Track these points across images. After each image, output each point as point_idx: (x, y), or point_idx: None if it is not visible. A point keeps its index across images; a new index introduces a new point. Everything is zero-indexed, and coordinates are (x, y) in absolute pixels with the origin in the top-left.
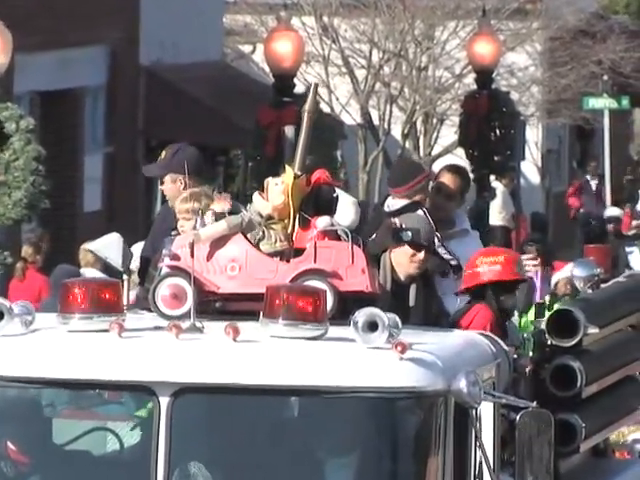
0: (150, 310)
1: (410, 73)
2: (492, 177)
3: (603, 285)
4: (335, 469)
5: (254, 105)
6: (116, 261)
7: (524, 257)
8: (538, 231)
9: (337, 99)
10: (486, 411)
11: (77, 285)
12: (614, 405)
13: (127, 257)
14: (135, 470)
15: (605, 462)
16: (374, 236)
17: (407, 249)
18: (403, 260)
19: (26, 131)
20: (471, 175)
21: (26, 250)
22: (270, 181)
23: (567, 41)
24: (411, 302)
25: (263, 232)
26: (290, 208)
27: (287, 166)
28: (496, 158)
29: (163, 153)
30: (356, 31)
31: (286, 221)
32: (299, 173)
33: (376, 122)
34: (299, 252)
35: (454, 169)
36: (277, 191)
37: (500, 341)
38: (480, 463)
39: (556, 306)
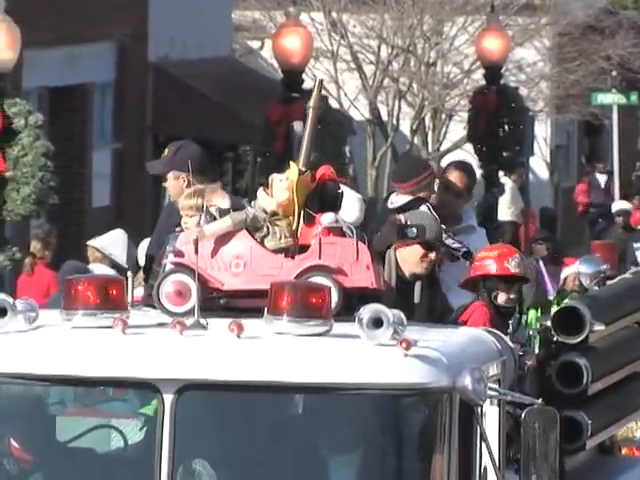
0: (154, 307)
1: (419, 69)
2: (501, 173)
3: (609, 282)
4: (339, 466)
5: (262, 101)
6: (120, 258)
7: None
8: (547, 227)
9: (346, 95)
10: (491, 408)
11: (81, 281)
12: (620, 402)
13: (132, 254)
14: (139, 467)
15: (611, 459)
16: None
17: (418, 249)
18: (412, 259)
19: (35, 127)
20: (480, 171)
21: (35, 246)
22: (275, 177)
23: (576, 37)
24: (416, 299)
25: (268, 228)
26: (295, 204)
27: (292, 162)
28: (505, 154)
29: (166, 150)
30: (365, 27)
31: (291, 217)
32: (304, 169)
33: (385, 118)
34: (304, 248)
35: (461, 166)
36: (282, 187)
37: (506, 338)
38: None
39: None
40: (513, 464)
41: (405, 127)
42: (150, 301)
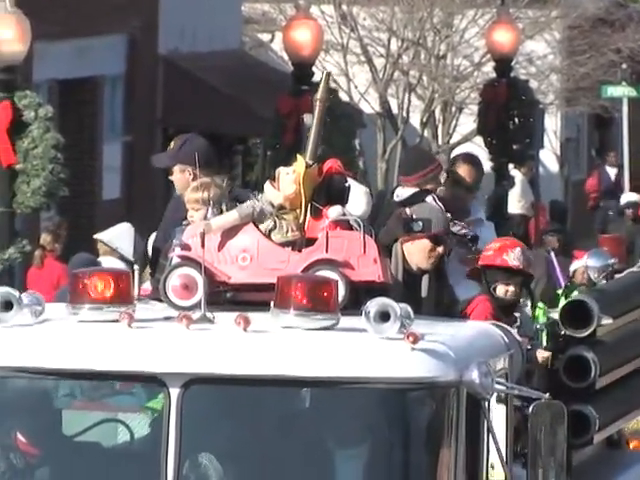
0: (161, 300)
1: (429, 61)
2: (511, 165)
3: (617, 275)
4: (346, 460)
5: (273, 94)
6: (127, 251)
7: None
8: (557, 220)
9: (356, 87)
10: (499, 402)
11: (87, 275)
12: (628, 396)
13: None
14: (145, 461)
15: (619, 454)
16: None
17: (426, 243)
18: (420, 253)
19: (45, 119)
20: (490, 163)
21: (45, 238)
22: (281, 170)
23: (586, 29)
24: (423, 292)
25: (274, 222)
26: (302, 198)
27: (299, 155)
28: (515, 146)
29: (172, 144)
30: (375, 19)
31: (298, 211)
32: (311, 162)
33: (395, 111)
34: (311, 242)
35: (469, 159)
36: (288, 180)
37: (513, 331)
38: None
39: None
40: (520, 458)
41: (415, 120)
42: (157, 295)
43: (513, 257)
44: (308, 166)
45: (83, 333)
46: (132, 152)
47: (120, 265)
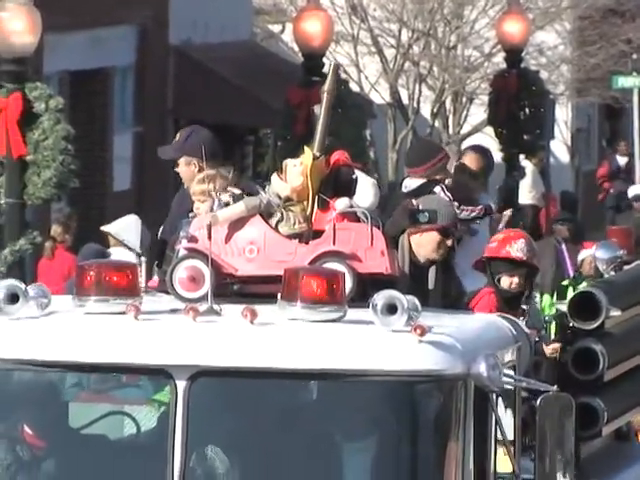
0: (168, 293)
1: (439, 52)
2: (521, 156)
3: (626, 267)
4: (353, 453)
5: (283, 85)
6: (134, 243)
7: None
8: (568, 210)
9: (366, 78)
10: (507, 395)
11: (93, 267)
12: (636, 388)
13: (145, 239)
14: (152, 454)
15: (627, 446)
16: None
17: (435, 235)
18: (429, 246)
19: (55, 110)
20: (500, 154)
21: (55, 229)
22: (289, 162)
23: (596, 20)
24: (430, 284)
25: (282, 214)
26: (309, 190)
27: (306, 147)
28: (525, 137)
29: (177, 135)
30: (385, 10)
31: (305, 203)
32: (318, 154)
33: (405, 101)
34: (318, 234)
35: (477, 149)
36: (296, 172)
37: (521, 323)
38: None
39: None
40: (529, 451)
41: (426, 110)
42: (164, 287)
43: (517, 248)
44: (315, 158)
45: (89, 325)
46: (143, 143)
47: (130, 256)
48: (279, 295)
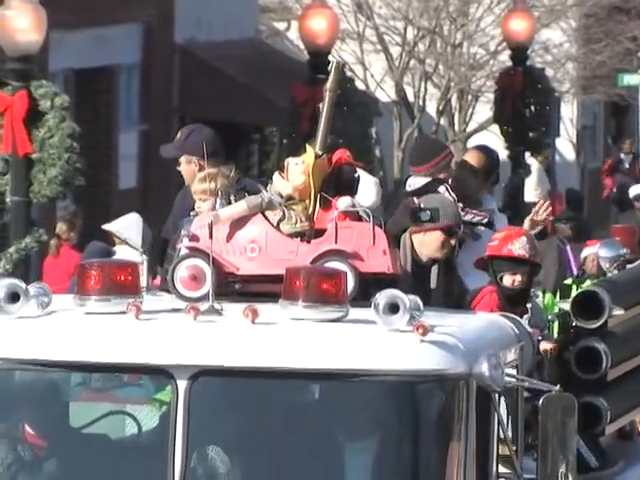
0: (169, 291)
1: (445, 50)
2: (527, 154)
3: (629, 266)
4: (355, 453)
5: (289, 82)
6: (135, 242)
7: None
8: (573, 208)
9: (372, 76)
10: (509, 394)
11: (94, 266)
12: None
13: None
14: (153, 453)
15: (631, 445)
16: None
17: (438, 235)
18: (433, 245)
19: (61, 108)
20: (506, 152)
21: (60, 227)
22: (290, 161)
23: (602, 17)
24: (432, 283)
25: (283, 213)
26: (311, 188)
27: (308, 146)
28: (531, 135)
29: (179, 133)
30: (391, 8)
31: (307, 201)
32: (320, 153)
33: (411, 99)
34: (320, 233)
35: (482, 148)
36: (297, 171)
37: (524, 323)
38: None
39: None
40: (531, 450)
41: (431, 108)
42: (165, 285)
43: (518, 246)
44: (317, 156)
45: (90, 325)
46: (148, 141)
47: (135, 255)
48: (281, 294)
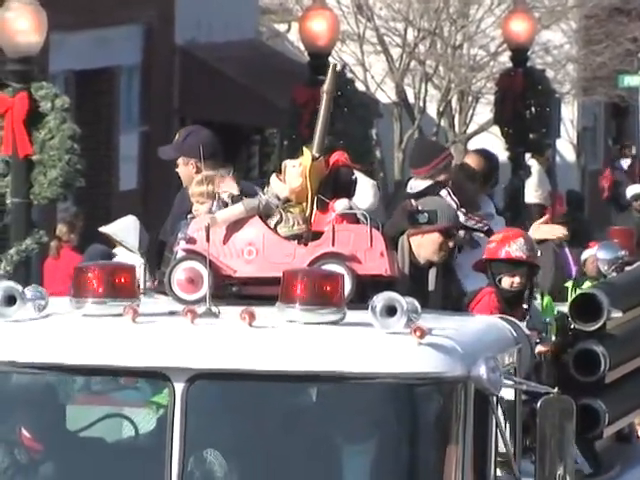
0: (166, 294)
1: (445, 51)
2: (527, 155)
3: (628, 268)
4: (352, 455)
5: (289, 84)
6: (132, 244)
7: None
8: (574, 209)
9: (372, 77)
10: (508, 397)
11: (91, 269)
12: (638, 390)
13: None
14: (150, 457)
15: (629, 448)
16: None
17: (437, 237)
18: (431, 247)
19: (61, 110)
20: (506, 153)
21: (61, 229)
22: (288, 163)
23: (602, 19)
24: (430, 286)
25: (281, 215)
26: (308, 191)
27: (305, 148)
28: (531, 136)
29: (177, 135)
30: (391, 9)
31: (304, 204)
32: (317, 155)
33: (411, 100)
34: (317, 235)
35: (481, 151)
36: (295, 173)
37: (522, 325)
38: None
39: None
40: (529, 453)
41: (432, 110)
42: (162, 288)
43: (516, 248)
44: (315, 159)
45: (87, 328)
46: (149, 143)
47: (135, 257)
48: (278, 297)
